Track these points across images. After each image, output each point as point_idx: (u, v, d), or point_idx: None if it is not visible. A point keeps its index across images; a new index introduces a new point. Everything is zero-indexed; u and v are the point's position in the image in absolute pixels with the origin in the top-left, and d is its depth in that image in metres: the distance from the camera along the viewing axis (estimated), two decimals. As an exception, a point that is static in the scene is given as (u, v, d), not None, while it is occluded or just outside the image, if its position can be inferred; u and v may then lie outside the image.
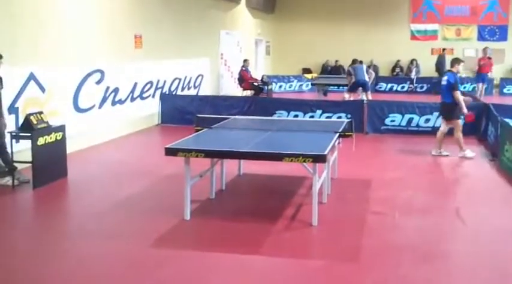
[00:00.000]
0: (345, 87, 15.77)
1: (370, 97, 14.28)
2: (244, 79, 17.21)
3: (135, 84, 11.28)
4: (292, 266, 4.46)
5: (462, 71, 9.62)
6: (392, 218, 5.74)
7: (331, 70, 23.97)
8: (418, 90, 21.57)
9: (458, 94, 8.62)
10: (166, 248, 4.78)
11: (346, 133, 6.44)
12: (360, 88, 15.00)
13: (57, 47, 8.65)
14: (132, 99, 11.21)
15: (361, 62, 16.29)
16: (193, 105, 12.11)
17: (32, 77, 7.93)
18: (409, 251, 4.81)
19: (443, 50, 22.02)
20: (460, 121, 8.97)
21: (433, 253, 4.79)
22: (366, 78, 14.80)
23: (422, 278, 4.26)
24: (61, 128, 7.26)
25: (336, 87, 18.02)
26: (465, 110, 8.66)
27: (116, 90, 10.46)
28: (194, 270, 4.36)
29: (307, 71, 24.20)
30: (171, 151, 5.39)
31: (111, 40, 10.31)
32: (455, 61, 8.96)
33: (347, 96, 14.80)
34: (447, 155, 8.91)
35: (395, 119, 11.24)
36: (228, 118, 7.64)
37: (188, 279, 4.21)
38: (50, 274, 4.28)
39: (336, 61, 24.05)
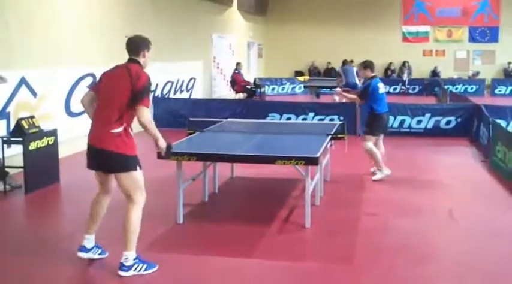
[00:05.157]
0: (336, 89, 15.73)
1: None
2: (236, 82, 17.23)
3: (127, 87, 11.24)
4: (286, 269, 4.46)
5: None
6: (385, 219, 5.75)
7: (324, 72, 24.02)
8: (410, 91, 21.66)
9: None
10: (159, 252, 4.76)
11: (339, 136, 6.45)
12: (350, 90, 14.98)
13: (48, 51, 8.62)
14: (125, 103, 11.16)
15: (351, 61, 16.26)
16: (186, 108, 12.09)
17: (23, 82, 7.90)
18: (402, 252, 4.82)
19: None
20: None
21: (426, 253, 4.81)
22: (357, 80, 14.80)
23: (416, 279, 4.27)
24: (53, 132, 7.23)
25: (328, 90, 18.05)
26: None
27: (108, 94, 10.42)
28: (188, 274, 4.35)
29: (299, 73, 24.24)
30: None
31: (102, 44, 10.27)
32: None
33: (337, 99, 14.78)
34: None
35: (387, 121, 11.24)
36: (221, 121, 7.64)
37: (182, 283, 4.19)
38: (43, 279, 4.25)
39: (328, 63, 24.10)
